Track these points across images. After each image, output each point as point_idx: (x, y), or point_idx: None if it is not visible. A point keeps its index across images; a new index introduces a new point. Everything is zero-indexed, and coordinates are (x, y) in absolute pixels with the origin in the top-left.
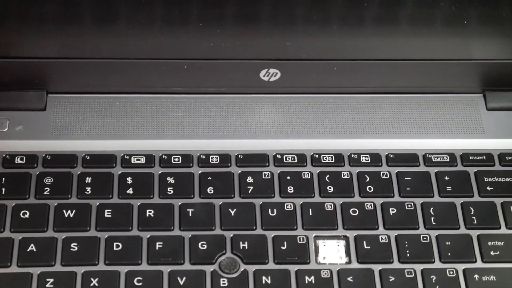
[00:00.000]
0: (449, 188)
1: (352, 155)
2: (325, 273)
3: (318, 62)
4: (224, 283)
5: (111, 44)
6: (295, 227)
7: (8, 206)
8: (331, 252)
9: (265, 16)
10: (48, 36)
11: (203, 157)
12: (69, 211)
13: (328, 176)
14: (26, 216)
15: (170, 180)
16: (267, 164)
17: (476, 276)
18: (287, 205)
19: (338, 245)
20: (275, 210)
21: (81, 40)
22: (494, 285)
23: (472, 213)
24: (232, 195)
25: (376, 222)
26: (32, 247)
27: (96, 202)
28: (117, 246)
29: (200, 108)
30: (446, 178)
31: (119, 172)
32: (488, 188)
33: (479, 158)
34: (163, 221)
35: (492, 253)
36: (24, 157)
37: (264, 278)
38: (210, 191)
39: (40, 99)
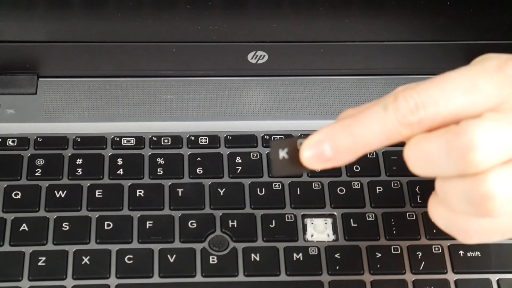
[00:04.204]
0: None
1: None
2: (313, 250)
3: (305, 44)
4: (214, 260)
5: (101, 28)
6: (283, 206)
7: (0, 187)
8: (319, 230)
9: None
10: (38, 20)
11: (193, 138)
12: (60, 192)
13: None
14: (18, 196)
15: (160, 161)
16: (255, 144)
17: (461, 252)
18: (275, 185)
19: (325, 223)
20: (263, 189)
21: (71, 24)
22: (478, 260)
23: None
24: (221, 175)
25: (363, 201)
26: (24, 226)
27: (87, 182)
28: (108, 225)
29: (189, 90)
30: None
31: (110, 154)
32: None
33: None
34: (154, 201)
35: None
36: (16, 140)
37: (253, 255)
38: (200, 171)
39: (31, 83)
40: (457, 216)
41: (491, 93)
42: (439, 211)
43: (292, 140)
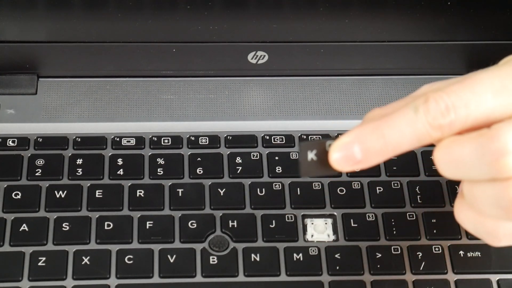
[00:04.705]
0: (434, 167)
1: (339, 135)
2: (313, 250)
3: (305, 44)
4: (214, 261)
5: (101, 28)
6: (284, 206)
7: (0, 187)
8: (319, 230)
9: None
10: (38, 20)
11: (193, 138)
12: (60, 192)
13: None
14: (18, 197)
15: (160, 161)
16: (255, 144)
17: (461, 252)
18: (275, 185)
19: (325, 223)
20: (263, 189)
21: (71, 24)
22: (478, 260)
23: (457, 191)
24: (221, 175)
25: (363, 201)
26: (24, 226)
27: (87, 183)
28: (108, 225)
29: (189, 90)
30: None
31: (110, 154)
32: None
33: None
34: (154, 201)
35: None
36: (16, 140)
37: (253, 255)
38: (200, 171)
39: (31, 83)
40: (486, 219)
41: None
42: (467, 214)
43: (321, 142)
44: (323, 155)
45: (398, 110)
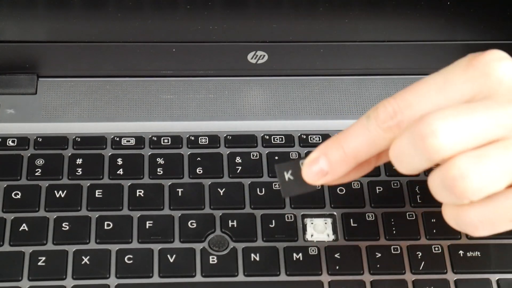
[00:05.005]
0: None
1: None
2: (313, 250)
3: (305, 44)
4: (214, 260)
5: (101, 28)
6: (283, 206)
7: (0, 187)
8: (319, 230)
9: None
10: (38, 20)
11: (192, 138)
12: (60, 192)
13: None
14: (18, 196)
15: (160, 161)
16: (255, 144)
17: (461, 252)
18: (275, 185)
19: (325, 223)
20: (263, 189)
21: (71, 24)
22: (478, 260)
23: None
24: (221, 175)
25: (363, 201)
26: (24, 226)
27: (87, 182)
28: (108, 225)
29: (189, 90)
30: None
31: (110, 154)
32: None
33: None
34: (153, 201)
35: None
36: (16, 140)
37: (252, 255)
38: (199, 171)
39: (31, 83)
40: (459, 210)
41: (463, 87)
42: (446, 210)
43: (295, 161)
44: (298, 173)
45: (355, 122)
